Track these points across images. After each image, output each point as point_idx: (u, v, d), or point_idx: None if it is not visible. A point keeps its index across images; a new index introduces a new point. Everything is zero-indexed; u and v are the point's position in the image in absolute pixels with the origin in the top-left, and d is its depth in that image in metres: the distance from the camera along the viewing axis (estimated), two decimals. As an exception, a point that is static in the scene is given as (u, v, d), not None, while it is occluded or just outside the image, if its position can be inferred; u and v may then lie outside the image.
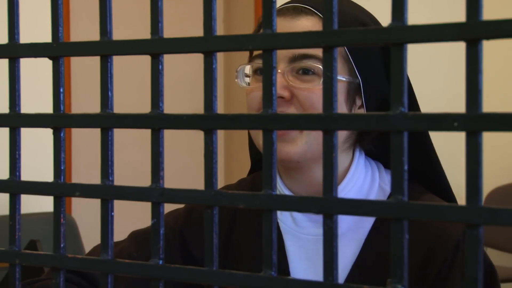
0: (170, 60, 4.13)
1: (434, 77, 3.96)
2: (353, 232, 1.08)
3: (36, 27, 2.84)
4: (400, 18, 0.40)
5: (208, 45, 0.44)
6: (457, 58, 3.82)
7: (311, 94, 1.02)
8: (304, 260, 1.10)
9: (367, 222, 1.08)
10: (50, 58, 0.49)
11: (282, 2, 1.13)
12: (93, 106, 3.69)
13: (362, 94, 1.06)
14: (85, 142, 3.93)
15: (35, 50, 0.50)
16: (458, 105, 3.69)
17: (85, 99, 3.91)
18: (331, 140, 0.42)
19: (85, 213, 3.77)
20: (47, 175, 2.98)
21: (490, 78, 3.74)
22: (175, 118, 0.45)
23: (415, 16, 3.48)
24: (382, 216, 0.40)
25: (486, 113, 0.37)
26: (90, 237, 3.00)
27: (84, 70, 3.89)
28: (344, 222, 1.08)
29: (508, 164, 3.96)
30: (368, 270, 1.06)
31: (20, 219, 0.50)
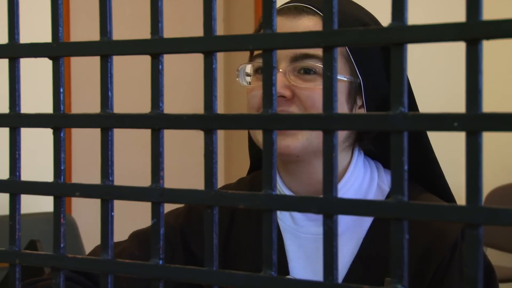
0: (170, 60, 4.13)
1: (434, 77, 3.95)
2: (352, 231, 1.08)
3: (36, 27, 2.84)
4: (400, 18, 0.40)
5: (208, 45, 0.44)
6: (457, 58, 3.82)
7: (313, 94, 1.02)
8: (302, 259, 1.11)
9: (366, 221, 1.08)
10: (50, 58, 0.49)
11: (282, 2, 1.13)
12: (93, 106, 3.69)
13: (362, 94, 1.06)
14: (85, 142, 3.93)
15: (35, 50, 0.50)
16: (458, 105, 3.69)
17: (85, 99, 3.91)
18: (331, 140, 0.42)
19: (85, 213, 3.77)
20: (47, 175, 2.98)
21: (490, 78, 3.74)
22: (175, 118, 0.45)
23: (415, 16, 3.48)
24: (382, 216, 0.40)
25: (486, 113, 0.37)
26: (90, 237, 3.00)
27: (84, 70, 3.89)
28: (343, 221, 1.08)
29: (508, 164, 3.96)
30: (366, 269, 1.07)
31: (20, 219, 0.50)
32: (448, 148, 2.79)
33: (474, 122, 0.38)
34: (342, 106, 1.05)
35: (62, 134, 0.49)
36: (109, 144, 0.48)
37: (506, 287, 3.26)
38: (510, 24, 0.37)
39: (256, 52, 1.10)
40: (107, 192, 0.48)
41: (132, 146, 3.96)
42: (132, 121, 0.47)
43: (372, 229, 1.08)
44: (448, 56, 3.90)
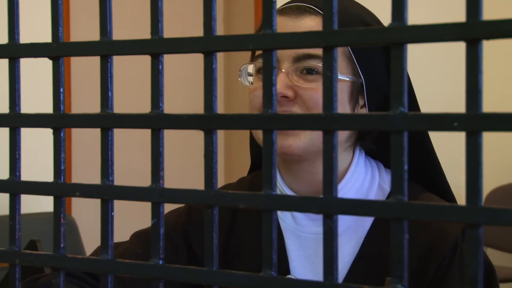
0: (170, 60, 4.13)
1: (434, 77, 3.95)
2: (352, 231, 1.08)
3: (36, 27, 2.84)
4: (400, 18, 0.40)
5: (208, 45, 0.44)
6: (457, 58, 3.82)
7: (315, 94, 1.02)
8: (303, 259, 1.11)
9: (367, 221, 1.08)
10: (50, 58, 0.49)
11: (282, 2, 1.13)
12: (93, 106, 3.69)
13: (365, 93, 1.07)
14: (85, 142, 3.93)
15: (35, 50, 0.50)
16: (458, 105, 3.69)
17: (85, 99, 3.91)
18: (331, 140, 0.42)
19: (85, 213, 3.77)
20: (47, 175, 2.98)
21: (490, 78, 3.74)
22: (175, 118, 0.45)
23: (415, 16, 3.48)
24: (382, 216, 0.40)
25: (486, 113, 0.37)
26: (90, 237, 3.00)
27: (84, 70, 3.89)
28: (344, 221, 1.08)
29: (508, 164, 3.96)
30: (367, 268, 1.07)
31: (20, 219, 0.50)
32: (448, 148, 2.79)
33: (474, 122, 0.38)
34: (344, 106, 1.05)
35: (62, 134, 0.49)
36: (109, 144, 0.48)
37: (506, 287, 3.26)
38: (510, 24, 0.37)
39: (258, 52, 1.10)
40: (107, 192, 0.48)
41: (132, 146, 3.96)
42: (132, 121, 0.47)
43: (373, 228, 1.08)
44: (448, 56, 3.90)
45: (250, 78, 1.10)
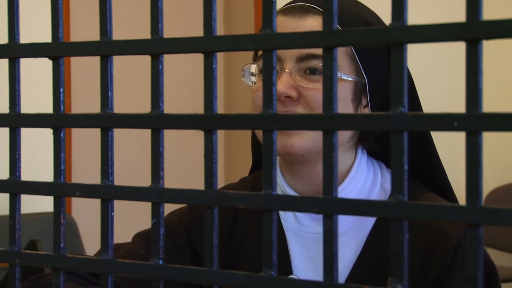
0: (170, 60, 4.13)
1: (434, 77, 3.95)
2: (354, 231, 1.08)
3: (36, 27, 2.84)
4: (400, 18, 0.40)
5: (208, 45, 0.44)
6: (457, 58, 3.82)
7: (318, 94, 1.02)
8: (305, 259, 1.11)
9: (369, 221, 1.08)
10: (50, 58, 0.49)
11: (282, 2, 1.12)
12: (93, 106, 3.69)
13: (367, 93, 1.07)
14: (85, 142, 3.93)
15: (35, 50, 0.50)
16: (458, 105, 3.69)
17: (85, 99, 3.91)
18: (331, 140, 0.42)
19: (85, 213, 3.77)
20: (47, 175, 2.98)
21: (490, 78, 3.74)
22: (175, 118, 0.45)
23: (415, 16, 3.48)
24: (382, 216, 0.40)
25: (486, 113, 0.37)
26: (90, 237, 3.00)
27: (84, 70, 3.89)
28: (346, 221, 1.08)
29: (508, 164, 3.95)
30: (369, 269, 1.07)
31: (20, 219, 0.50)
32: (448, 148, 2.79)
33: (474, 122, 0.38)
34: (347, 106, 1.05)
35: (62, 134, 0.49)
36: (109, 144, 0.48)
37: (506, 287, 3.26)
38: (510, 24, 0.37)
39: (260, 52, 1.10)
40: (107, 192, 0.48)
41: (132, 146, 3.96)
42: (132, 121, 0.47)
43: (375, 229, 1.08)
44: (448, 56, 3.90)
45: (253, 78, 1.10)
